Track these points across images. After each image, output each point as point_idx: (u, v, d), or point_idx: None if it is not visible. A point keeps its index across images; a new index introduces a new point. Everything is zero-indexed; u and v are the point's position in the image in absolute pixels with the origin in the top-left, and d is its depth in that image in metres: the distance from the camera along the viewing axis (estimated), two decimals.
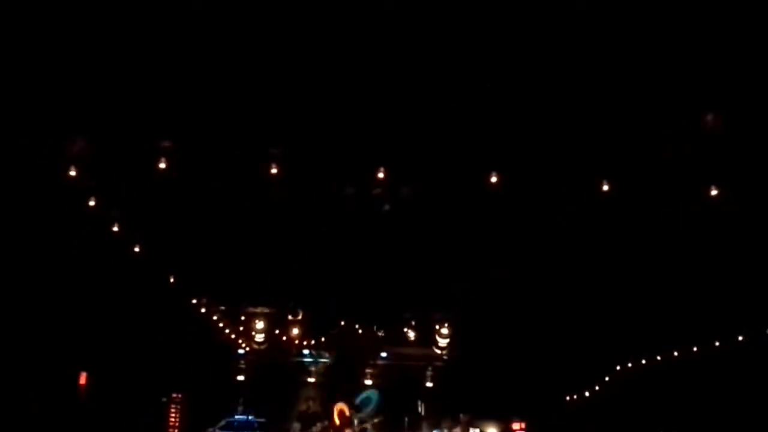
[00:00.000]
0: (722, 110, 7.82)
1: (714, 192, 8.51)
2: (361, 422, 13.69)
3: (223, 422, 13.93)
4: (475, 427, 15.48)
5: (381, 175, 8.40)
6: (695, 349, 15.81)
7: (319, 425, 13.61)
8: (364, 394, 16.61)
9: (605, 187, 8.36)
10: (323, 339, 16.60)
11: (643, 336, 14.75)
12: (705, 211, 8.97)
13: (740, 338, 14.50)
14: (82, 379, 13.80)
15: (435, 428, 14.74)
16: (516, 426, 16.50)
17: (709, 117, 7.94)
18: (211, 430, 13.83)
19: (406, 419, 14.84)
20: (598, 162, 8.33)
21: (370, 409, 16.37)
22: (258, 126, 8.30)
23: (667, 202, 9.19)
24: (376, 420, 14.04)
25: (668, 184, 8.79)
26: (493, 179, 8.21)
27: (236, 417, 13.96)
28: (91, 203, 9.56)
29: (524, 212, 9.47)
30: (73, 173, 8.56)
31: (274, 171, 8.48)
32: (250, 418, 13.87)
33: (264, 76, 7.73)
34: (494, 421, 16.64)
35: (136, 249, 11.44)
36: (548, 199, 8.95)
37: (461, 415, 15.10)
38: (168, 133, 8.48)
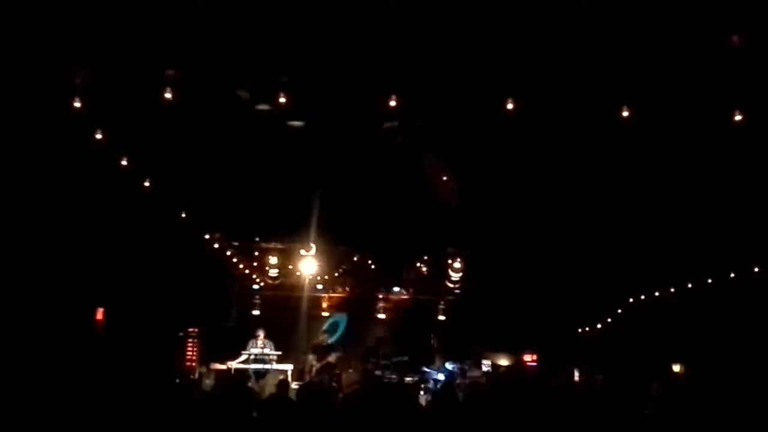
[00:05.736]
0: (748, 31, 7.48)
1: (738, 118, 8.23)
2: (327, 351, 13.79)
3: (243, 356, 14.16)
4: (487, 359, 15.66)
5: (393, 103, 8.17)
6: (710, 281, 15.71)
7: (333, 355, 13.81)
8: (331, 319, 16.64)
9: (624, 114, 8.11)
10: (336, 274, 16.64)
11: (657, 269, 14.65)
12: (729, 138, 8.72)
13: (756, 270, 14.34)
14: (99, 315, 13.97)
15: (447, 361, 14.87)
16: (528, 358, 16.64)
17: (735, 38, 7.61)
18: (230, 363, 14.07)
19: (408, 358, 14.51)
20: (617, 87, 8.04)
21: (338, 334, 16.44)
22: (266, 54, 8.06)
23: (688, 130, 8.94)
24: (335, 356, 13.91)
25: (690, 110, 8.52)
26: (509, 106, 7.96)
27: (252, 351, 14.17)
28: (98, 137, 9.41)
29: (540, 141, 9.25)
30: (78, 105, 8.39)
31: (282, 100, 8.27)
32: (266, 350, 14.08)
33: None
34: (506, 354, 16.78)
35: (146, 184, 11.36)
36: (565, 126, 8.71)
37: (472, 347, 15.27)
38: (174, 62, 8.25)
